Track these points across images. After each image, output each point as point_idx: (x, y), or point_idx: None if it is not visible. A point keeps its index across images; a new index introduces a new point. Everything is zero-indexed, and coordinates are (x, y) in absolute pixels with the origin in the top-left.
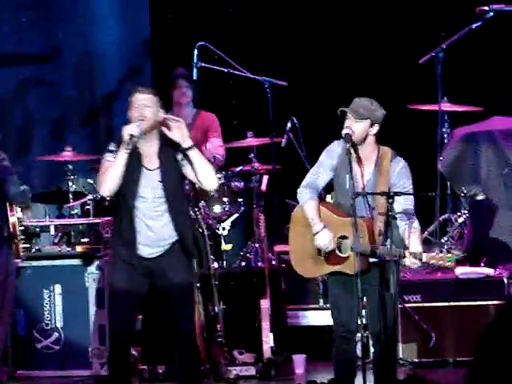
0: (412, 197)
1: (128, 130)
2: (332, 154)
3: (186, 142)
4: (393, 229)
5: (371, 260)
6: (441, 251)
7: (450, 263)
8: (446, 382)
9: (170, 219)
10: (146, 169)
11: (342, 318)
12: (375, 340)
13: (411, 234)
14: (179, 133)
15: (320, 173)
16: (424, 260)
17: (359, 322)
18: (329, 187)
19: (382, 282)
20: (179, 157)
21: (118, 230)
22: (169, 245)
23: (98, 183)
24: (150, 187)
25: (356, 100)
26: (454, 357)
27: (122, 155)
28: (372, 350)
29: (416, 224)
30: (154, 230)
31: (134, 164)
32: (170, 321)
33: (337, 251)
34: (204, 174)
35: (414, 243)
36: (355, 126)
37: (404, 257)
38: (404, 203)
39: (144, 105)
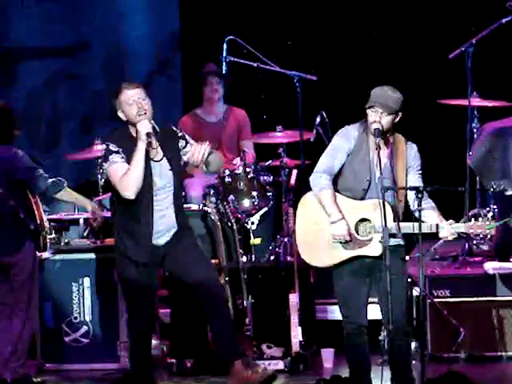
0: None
1: (144, 129)
2: (349, 137)
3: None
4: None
5: (392, 243)
6: (477, 220)
7: (489, 230)
8: (476, 378)
9: (173, 207)
10: (153, 160)
11: (352, 313)
12: (396, 332)
13: (432, 211)
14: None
15: (336, 157)
16: (463, 230)
17: (389, 316)
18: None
19: (399, 268)
20: (180, 144)
21: (130, 229)
22: (175, 230)
23: (121, 188)
24: (159, 178)
25: (380, 92)
26: (483, 352)
27: (142, 153)
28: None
29: (432, 203)
30: (166, 218)
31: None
32: (193, 284)
33: (356, 236)
34: (215, 167)
35: (438, 218)
36: (384, 120)
37: (437, 229)
38: (418, 183)
39: (140, 98)
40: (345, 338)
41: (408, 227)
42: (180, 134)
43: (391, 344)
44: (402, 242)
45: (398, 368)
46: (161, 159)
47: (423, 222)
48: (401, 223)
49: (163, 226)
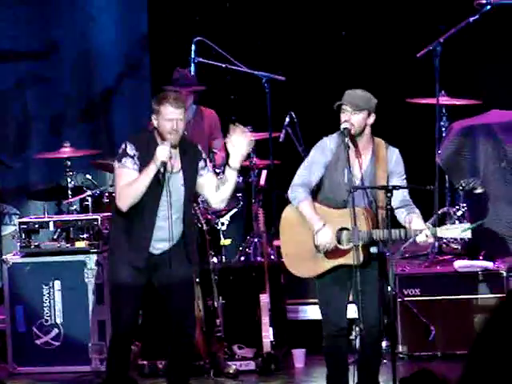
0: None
1: (162, 157)
2: (325, 150)
3: (237, 164)
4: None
5: (372, 251)
6: (454, 223)
7: (465, 233)
8: (447, 376)
9: (181, 221)
10: (168, 172)
11: (334, 317)
12: (367, 334)
13: (414, 217)
14: (242, 154)
15: (313, 170)
16: (439, 234)
17: (356, 316)
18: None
19: (381, 275)
20: (200, 164)
21: (127, 233)
22: (176, 241)
23: (119, 196)
24: (171, 189)
25: (349, 92)
26: (454, 350)
27: (150, 174)
28: (358, 343)
29: (417, 210)
30: (168, 230)
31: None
32: (169, 311)
33: (338, 245)
34: (225, 195)
35: (421, 223)
36: (354, 118)
37: (416, 235)
38: (402, 192)
39: (179, 119)
40: (325, 339)
41: (393, 234)
42: (203, 156)
43: (362, 346)
44: (384, 250)
45: (373, 367)
46: (177, 171)
47: (406, 228)
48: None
49: (160, 237)
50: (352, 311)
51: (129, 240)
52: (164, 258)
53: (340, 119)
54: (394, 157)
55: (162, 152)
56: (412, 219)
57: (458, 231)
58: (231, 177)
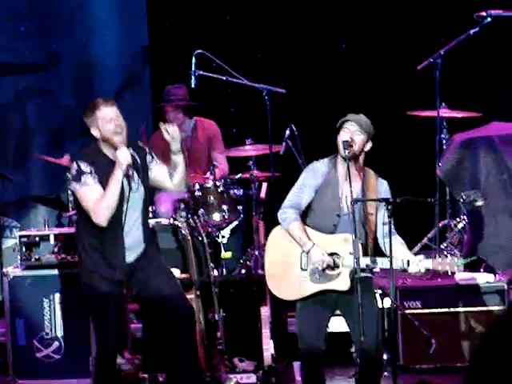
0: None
1: (125, 160)
2: (317, 173)
3: (176, 144)
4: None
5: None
6: (446, 256)
7: (457, 268)
8: None
9: (141, 224)
10: (130, 189)
11: (312, 343)
12: (362, 353)
13: (401, 246)
14: (174, 133)
15: (304, 193)
16: (431, 267)
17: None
18: None
19: (369, 295)
20: (148, 159)
21: (99, 248)
22: (143, 248)
23: (93, 214)
24: (130, 194)
25: (352, 114)
26: (455, 363)
27: (119, 182)
28: (357, 362)
29: (400, 238)
30: (134, 236)
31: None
32: (161, 308)
33: (327, 270)
34: (180, 179)
35: (408, 254)
36: (356, 138)
37: (408, 265)
38: (386, 218)
39: (117, 116)
40: (303, 364)
41: (380, 262)
42: (147, 150)
43: (362, 360)
44: (370, 275)
45: None
46: (136, 185)
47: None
48: (374, 258)
49: (131, 242)
50: (339, 324)
51: (102, 256)
52: (137, 263)
53: (339, 138)
54: (383, 188)
55: (124, 155)
56: (400, 249)
57: (451, 265)
58: (178, 160)
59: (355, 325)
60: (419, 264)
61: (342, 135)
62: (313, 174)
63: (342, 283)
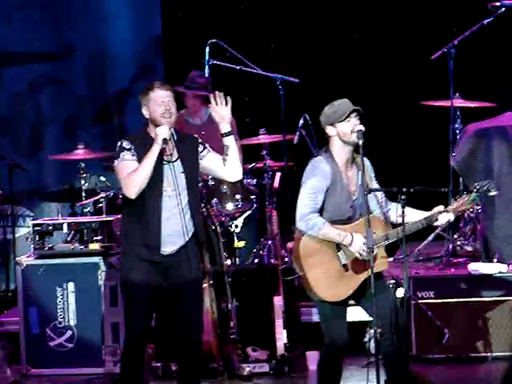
0: None
1: (162, 134)
2: (326, 175)
3: (227, 127)
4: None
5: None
6: (457, 198)
7: (470, 205)
8: (459, 378)
9: (189, 211)
10: (166, 161)
11: (339, 337)
12: (389, 336)
13: (412, 209)
14: (226, 115)
15: (318, 197)
16: (452, 216)
17: (371, 319)
18: None
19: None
20: (200, 149)
21: (137, 231)
22: (188, 237)
23: (124, 185)
24: (172, 179)
25: (349, 103)
26: (467, 353)
27: (154, 156)
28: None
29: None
30: (178, 223)
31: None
32: (176, 314)
33: (360, 257)
34: (234, 163)
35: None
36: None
37: (432, 221)
38: (381, 196)
39: (169, 101)
40: (325, 356)
41: (409, 229)
42: (200, 140)
43: (389, 345)
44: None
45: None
46: (175, 160)
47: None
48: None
49: (170, 231)
50: (359, 314)
51: (140, 235)
52: (175, 259)
53: (344, 127)
54: (368, 163)
55: (163, 130)
56: (414, 211)
57: (465, 204)
58: (230, 143)
59: (371, 306)
60: (445, 215)
61: (351, 124)
62: (322, 176)
63: (381, 263)
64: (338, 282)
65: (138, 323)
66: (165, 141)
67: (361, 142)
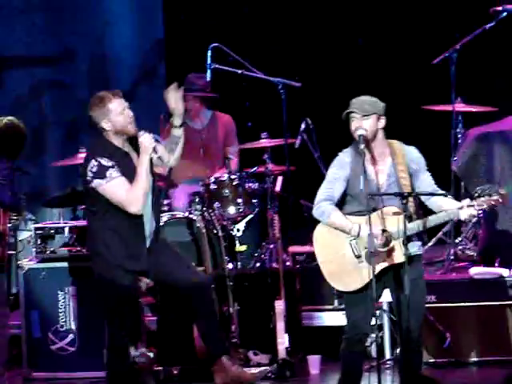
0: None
1: (150, 143)
2: (344, 165)
3: (181, 121)
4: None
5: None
6: (478, 196)
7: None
8: (460, 383)
9: (153, 210)
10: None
11: (359, 320)
12: (406, 335)
13: (448, 199)
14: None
15: (336, 185)
16: (477, 208)
17: (373, 323)
18: None
19: (415, 275)
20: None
21: (121, 241)
22: (154, 230)
23: (129, 202)
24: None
25: (355, 100)
26: (469, 357)
27: (146, 166)
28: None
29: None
30: (150, 222)
31: (130, 166)
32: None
33: (380, 248)
34: (178, 154)
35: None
36: (365, 124)
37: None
38: (429, 183)
39: (127, 107)
40: (345, 342)
41: (433, 220)
42: (176, 124)
43: (402, 354)
44: (420, 252)
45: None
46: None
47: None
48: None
49: (150, 229)
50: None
51: (126, 248)
52: (150, 246)
53: (350, 128)
54: (413, 155)
55: (147, 139)
56: (446, 202)
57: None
58: (180, 134)
59: (399, 302)
60: (471, 209)
61: (352, 127)
62: (340, 166)
63: (398, 256)
64: (351, 273)
65: (127, 327)
66: (154, 149)
67: (362, 147)
